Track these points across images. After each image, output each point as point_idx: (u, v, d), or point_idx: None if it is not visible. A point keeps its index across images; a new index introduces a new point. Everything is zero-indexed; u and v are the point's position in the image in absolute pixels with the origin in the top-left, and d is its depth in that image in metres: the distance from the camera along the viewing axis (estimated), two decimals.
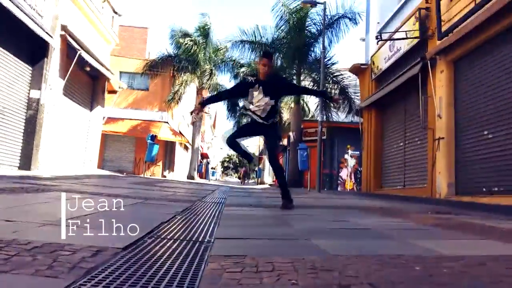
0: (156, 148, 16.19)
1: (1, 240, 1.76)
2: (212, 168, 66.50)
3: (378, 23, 13.86)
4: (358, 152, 18.26)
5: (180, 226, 2.78)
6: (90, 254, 1.65)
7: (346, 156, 20.09)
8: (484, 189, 7.06)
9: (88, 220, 2.73)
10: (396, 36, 10.71)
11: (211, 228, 2.74)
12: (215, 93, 5.48)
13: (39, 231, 2.17)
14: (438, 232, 3.08)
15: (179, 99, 25.06)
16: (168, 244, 2.08)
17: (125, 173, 18.36)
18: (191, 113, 4.89)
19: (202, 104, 5.15)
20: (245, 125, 4.84)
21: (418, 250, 2.15)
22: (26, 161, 9.39)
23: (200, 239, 2.29)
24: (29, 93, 9.72)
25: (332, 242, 2.40)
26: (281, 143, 6.90)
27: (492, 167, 7.01)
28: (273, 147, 4.97)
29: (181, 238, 2.29)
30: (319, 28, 18.60)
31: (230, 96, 5.20)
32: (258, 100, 4.73)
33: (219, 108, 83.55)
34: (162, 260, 1.72)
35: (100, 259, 1.60)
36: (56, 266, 1.45)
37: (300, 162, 14.51)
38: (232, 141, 5.02)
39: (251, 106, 4.79)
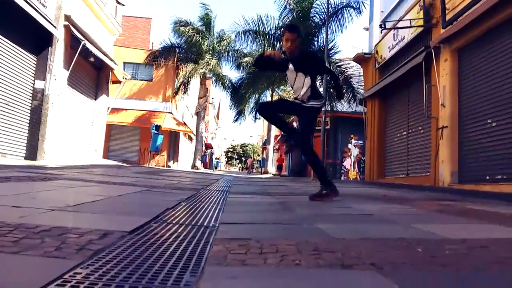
0: (160, 138, 16.26)
1: (9, 224, 1.79)
2: (216, 158, 66.68)
3: (382, 11, 13.75)
4: (361, 142, 18.26)
5: (185, 212, 2.81)
6: (97, 237, 1.68)
7: (349, 145, 20.10)
8: (487, 177, 7.06)
9: (95, 206, 2.78)
10: (400, 25, 10.62)
11: (216, 214, 2.77)
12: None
13: (46, 216, 2.20)
14: (441, 217, 3.10)
15: (185, 90, 25.09)
16: (173, 228, 2.11)
17: (130, 164, 18.46)
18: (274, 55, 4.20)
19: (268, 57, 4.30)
20: (286, 100, 4.33)
21: (421, 234, 2.18)
22: (32, 151, 9.46)
23: (205, 224, 2.32)
24: (33, 84, 9.76)
25: (335, 226, 2.43)
26: (291, 143, 6.30)
27: (495, 155, 7.00)
28: (304, 131, 4.39)
29: (186, 223, 2.32)
30: (323, 18, 18.50)
31: (269, 66, 4.67)
32: (294, 80, 4.28)
33: (223, 98, 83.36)
34: (168, 242, 1.75)
35: (107, 242, 1.63)
36: (64, 248, 1.48)
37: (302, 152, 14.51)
38: (265, 109, 4.54)
39: (294, 89, 4.37)
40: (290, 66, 4.27)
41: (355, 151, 19.97)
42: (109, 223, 2.12)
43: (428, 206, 3.91)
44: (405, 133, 10.90)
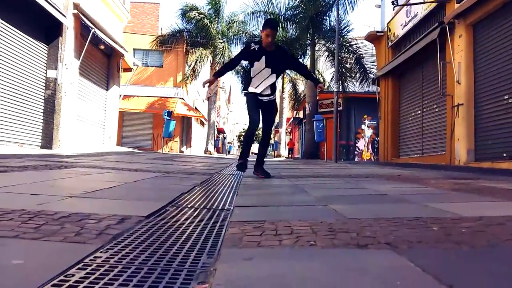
0: (173, 124, 16.34)
1: (29, 212, 1.84)
2: (228, 143, 66.94)
3: None
4: (375, 122, 18.08)
5: (200, 196, 2.84)
6: (115, 222, 1.72)
7: (363, 126, 19.93)
8: (504, 155, 6.96)
9: (111, 192, 2.83)
10: (413, 1, 10.38)
11: (230, 198, 2.79)
12: (223, 64, 5.38)
13: (64, 202, 2.25)
14: (457, 196, 3.07)
15: (195, 75, 25.03)
16: (189, 212, 2.14)
17: (144, 150, 18.62)
18: (204, 84, 4.81)
19: (215, 76, 4.99)
20: (251, 103, 4.71)
21: (436, 213, 2.16)
22: (47, 140, 9.62)
23: (220, 207, 2.35)
24: (46, 73, 9.85)
25: (349, 206, 2.43)
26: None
27: None
28: (272, 122, 4.91)
29: (201, 207, 2.34)
30: None
31: (237, 62, 5.05)
32: (260, 71, 4.60)
33: (233, 82, 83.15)
34: (184, 226, 1.78)
35: (125, 226, 1.66)
36: (84, 233, 1.52)
37: (316, 133, 14.48)
38: (254, 128, 4.85)
39: (253, 79, 4.67)
40: (263, 58, 4.57)
41: (368, 132, 19.81)
42: (126, 209, 2.16)
43: (443, 185, 3.88)
44: (419, 112, 10.76)
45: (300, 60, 5.31)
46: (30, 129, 9.25)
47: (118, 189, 3.04)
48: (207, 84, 4.76)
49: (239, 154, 5.12)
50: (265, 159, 5.02)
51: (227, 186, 3.59)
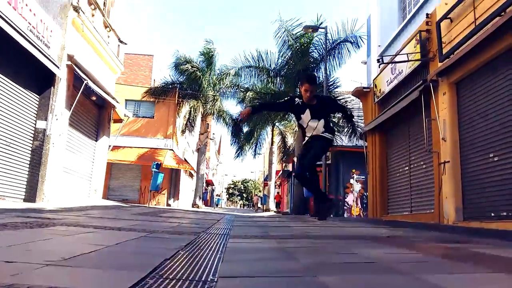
0: (161, 177, 16.21)
1: (0, 284, 1.72)
2: (217, 195, 66.20)
3: (379, 46, 14.03)
4: (363, 177, 18.15)
5: (184, 263, 2.73)
6: None
7: (351, 181, 19.97)
8: (492, 214, 6.94)
9: (90, 259, 2.70)
10: (397, 59, 10.80)
11: (215, 264, 2.68)
12: (262, 102, 5.41)
13: (40, 273, 2.12)
14: (447, 265, 3.00)
15: (187, 127, 25.25)
16: (170, 285, 2.03)
17: (130, 203, 18.28)
18: (238, 121, 4.87)
19: (252, 109, 4.97)
20: (303, 150, 4.80)
21: (426, 287, 2.09)
22: (31, 193, 9.39)
23: (203, 278, 2.24)
24: (35, 124, 9.81)
25: (339, 277, 2.34)
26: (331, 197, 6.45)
27: (500, 191, 6.90)
28: (315, 156, 4.75)
29: (183, 278, 2.23)
30: (321, 53, 18.85)
31: (277, 109, 5.18)
32: (308, 122, 4.71)
33: (224, 133, 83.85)
34: None
35: None
36: None
37: (305, 189, 14.44)
38: (303, 176, 4.76)
39: (306, 130, 4.77)
40: (307, 111, 4.68)
41: (357, 187, 19.83)
42: (103, 281, 2.04)
43: (433, 250, 3.81)
44: (407, 168, 10.84)
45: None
46: (14, 181, 9.05)
47: (98, 254, 2.91)
48: (243, 115, 4.83)
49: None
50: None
51: (213, 249, 3.47)
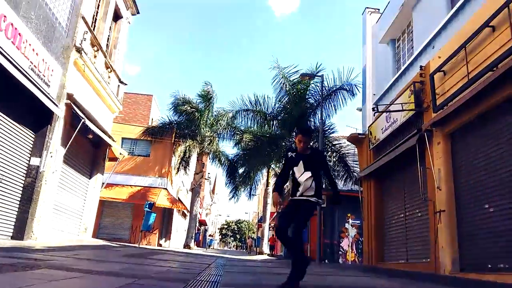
0: (153, 217, 15.96)
1: None
2: (210, 235, 65.03)
3: (374, 94, 14.32)
4: (358, 222, 17.97)
5: None
6: None
7: (346, 225, 19.74)
8: (489, 266, 6.82)
9: None
10: (392, 108, 10.96)
11: None
12: (277, 181, 5.30)
13: None
14: None
15: (182, 166, 25.18)
16: None
17: (120, 242, 17.85)
18: (277, 206, 4.75)
19: (277, 192, 4.98)
20: (288, 208, 4.66)
21: None
22: (19, 230, 9.16)
23: None
24: (29, 161, 9.72)
25: None
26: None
27: (496, 242, 6.81)
28: (300, 225, 4.59)
29: None
30: (317, 99, 19.20)
31: (287, 172, 5.00)
32: (301, 175, 4.64)
33: (219, 173, 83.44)
34: None
35: None
36: None
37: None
38: (284, 236, 4.59)
39: (298, 182, 4.67)
40: (300, 163, 4.68)
41: (352, 231, 19.56)
42: None
43: None
44: (402, 215, 10.74)
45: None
46: (2, 218, 8.85)
47: None
48: (280, 203, 4.81)
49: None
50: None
51: None
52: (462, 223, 7.86)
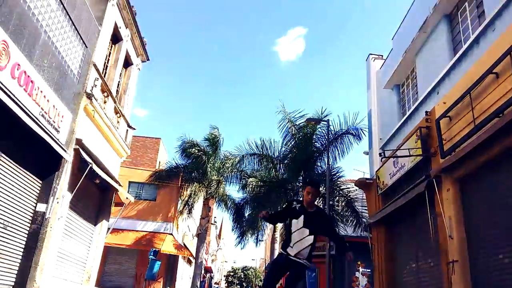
0: (157, 265, 15.61)
1: None
2: (215, 283, 63.20)
3: (380, 139, 14.33)
4: (369, 270, 17.39)
5: None
6: None
7: (357, 274, 19.11)
8: None
9: None
10: (398, 153, 10.89)
11: None
12: (272, 213, 5.26)
13: None
14: None
15: (189, 210, 24.92)
16: None
17: None
18: (261, 215, 4.67)
19: (268, 217, 4.85)
20: (278, 266, 4.56)
21: None
22: (22, 279, 8.95)
23: None
24: (35, 207, 9.66)
25: None
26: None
27: None
28: (291, 283, 4.54)
29: None
30: (324, 143, 19.21)
31: (283, 217, 4.91)
32: (296, 230, 4.51)
33: (225, 217, 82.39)
34: None
35: None
36: None
37: (308, 285, 13.70)
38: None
39: (292, 237, 4.54)
40: (301, 218, 4.52)
41: (363, 280, 18.91)
42: None
43: None
44: (414, 265, 10.38)
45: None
46: (5, 267, 8.68)
47: None
48: (263, 215, 4.71)
49: None
50: None
51: None
52: (477, 273, 7.56)
